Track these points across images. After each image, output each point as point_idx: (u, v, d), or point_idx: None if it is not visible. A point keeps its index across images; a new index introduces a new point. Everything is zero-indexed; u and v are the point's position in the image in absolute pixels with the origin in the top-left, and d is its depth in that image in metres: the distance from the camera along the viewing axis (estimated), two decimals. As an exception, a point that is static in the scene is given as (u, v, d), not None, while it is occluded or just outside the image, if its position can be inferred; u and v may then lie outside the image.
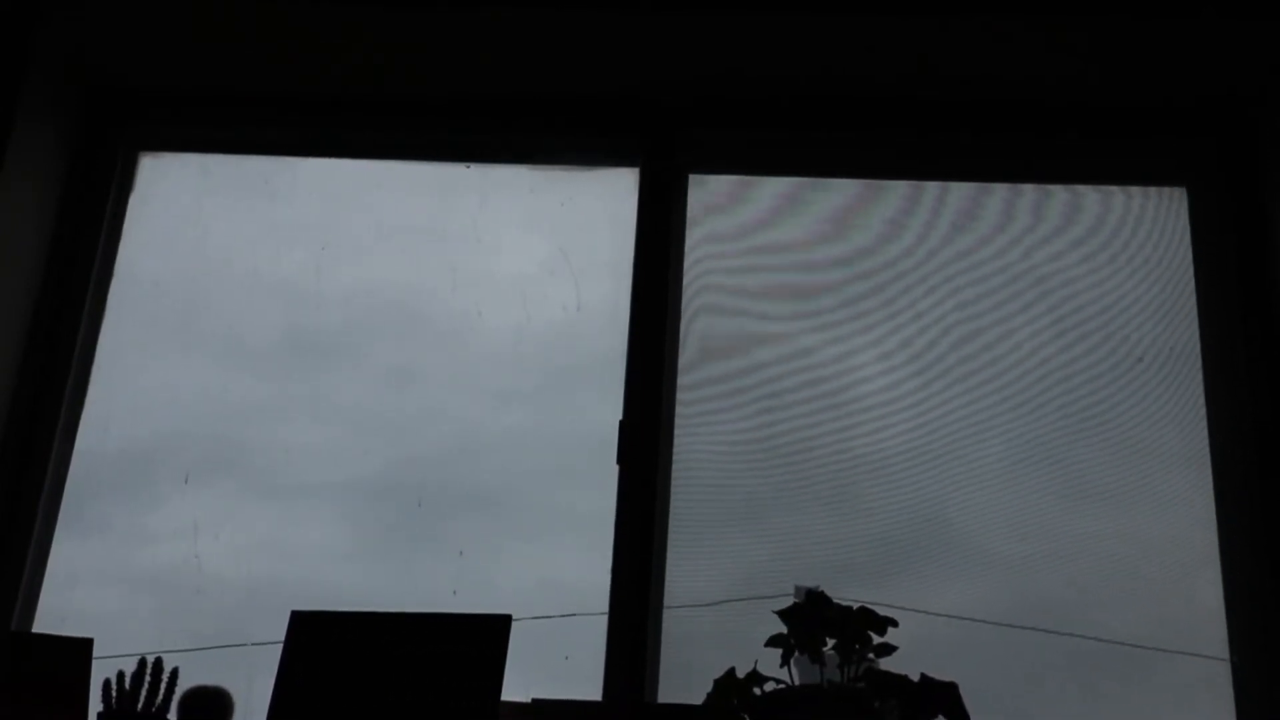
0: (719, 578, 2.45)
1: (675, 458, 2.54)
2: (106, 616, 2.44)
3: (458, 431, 2.61)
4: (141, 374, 2.69)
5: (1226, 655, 2.36)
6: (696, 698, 2.05)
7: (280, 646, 2.10)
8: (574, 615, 2.42)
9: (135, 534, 2.57)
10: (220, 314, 2.73)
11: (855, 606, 2.02)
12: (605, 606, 2.42)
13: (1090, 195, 2.70)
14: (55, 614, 2.48)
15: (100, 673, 2.14)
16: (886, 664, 1.99)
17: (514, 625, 2.06)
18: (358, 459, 2.59)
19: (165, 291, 2.75)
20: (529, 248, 2.75)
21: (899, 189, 2.73)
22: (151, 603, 2.50)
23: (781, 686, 1.97)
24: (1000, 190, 2.72)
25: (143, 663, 2.15)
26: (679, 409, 2.58)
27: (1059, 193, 2.71)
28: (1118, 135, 2.72)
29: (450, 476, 2.57)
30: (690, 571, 2.46)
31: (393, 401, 2.64)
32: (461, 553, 2.49)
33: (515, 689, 2.05)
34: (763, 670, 1.99)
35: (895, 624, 2.01)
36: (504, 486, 2.56)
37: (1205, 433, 2.51)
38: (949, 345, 2.60)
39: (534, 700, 2.11)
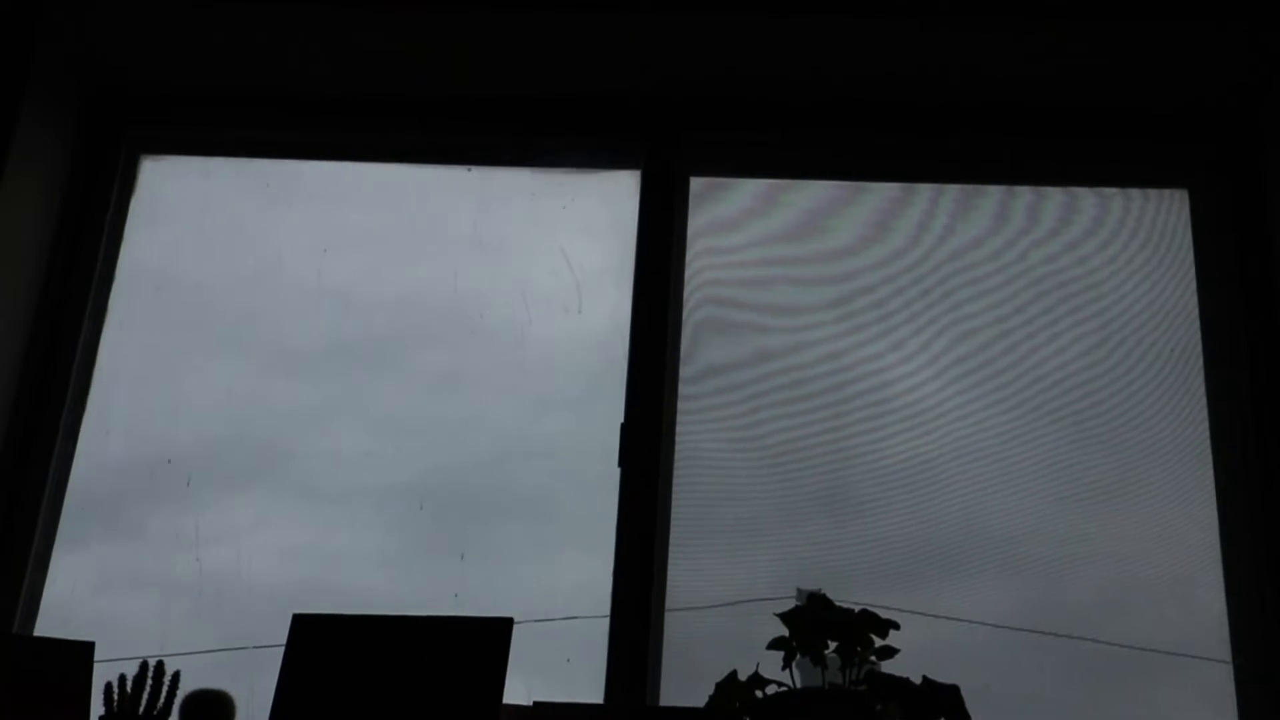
0: (720, 580, 2.45)
1: (677, 459, 2.54)
2: (111, 620, 2.44)
3: (460, 435, 2.61)
4: (145, 376, 2.69)
5: (1229, 658, 2.36)
6: (698, 701, 2.05)
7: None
8: (575, 618, 2.42)
9: (140, 538, 2.57)
10: (224, 316, 2.74)
11: (857, 609, 2.02)
12: (607, 609, 2.41)
13: (1091, 197, 2.70)
14: (58, 617, 2.48)
15: (103, 676, 2.14)
16: (889, 667, 1.99)
17: (515, 628, 2.06)
18: (361, 461, 2.59)
19: (169, 294, 2.75)
20: (531, 250, 2.75)
21: (898, 190, 2.73)
22: (157, 607, 2.50)
23: (783, 689, 1.97)
24: (997, 193, 2.72)
25: (144, 666, 2.15)
26: (681, 410, 2.57)
27: (1059, 195, 2.71)
28: (1118, 137, 2.72)
29: (454, 480, 2.57)
30: (692, 574, 2.46)
31: (397, 405, 2.64)
32: (463, 556, 2.49)
33: (517, 692, 2.04)
34: (764, 673, 1.99)
35: (897, 626, 2.00)
36: (508, 489, 2.56)
37: (1207, 433, 2.51)
38: (949, 347, 2.59)
39: (535, 703, 2.11)
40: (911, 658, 1.99)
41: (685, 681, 2.35)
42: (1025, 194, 2.71)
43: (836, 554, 2.45)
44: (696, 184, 2.74)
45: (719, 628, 2.41)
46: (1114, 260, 2.65)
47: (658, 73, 2.69)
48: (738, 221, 2.74)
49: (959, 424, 2.53)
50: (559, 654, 2.38)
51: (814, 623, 2.00)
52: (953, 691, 1.96)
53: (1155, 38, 2.52)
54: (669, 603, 2.44)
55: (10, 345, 2.57)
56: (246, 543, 2.53)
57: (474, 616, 2.09)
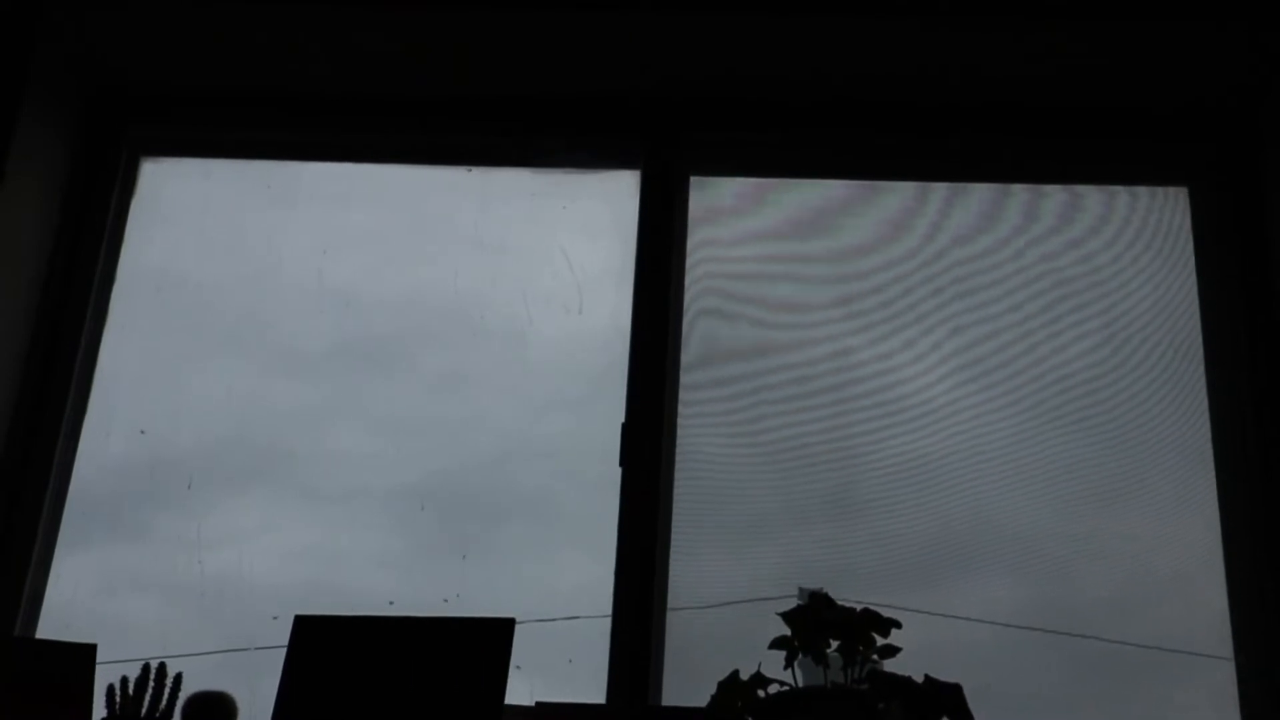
0: (722, 580, 2.45)
1: (678, 459, 2.54)
2: (113, 622, 2.44)
3: (461, 435, 2.61)
4: (146, 377, 2.69)
5: (1231, 655, 2.36)
6: (700, 700, 2.05)
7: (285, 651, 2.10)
8: (577, 618, 2.42)
9: (142, 540, 2.57)
10: (225, 317, 2.73)
11: (859, 608, 2.02)
12: (608, 609, 2.42)
13: (1092, 196, 2.70)
14: (60, 619, 2.48)
15: (105, 678, 2.14)
16: (892, 666, 1.99)
17: (517, 628, 2.06)
18: (362, 462, 2.59)
19: (170, 295, 2.75)
20: (531, 250, 2.75)
21: (900, 190, 2.74)
22: (159, 608, 2.50)
23: (785, 688, 1.97)
24: (998, 192, 2.72)
25: (146, 668, 2.14)
26: (681, 410, 2.57)
27: (1060, 194, 2.71)
28: (1118, 137, 2.72)
29: (455, 480, 2.57)
30: (693, 573, 2.46)
31: (398, 406, 2.64)
32: (465, 556, 2.50)
33: (519, 692, 2.05)
34: (766, 672, 1.99)
35: (899, 625, 2.00)
36: (509, 489, 2.56)
37: (1208, 432, 2.51)
38: (951, 347, 2.60)
39: (537, 704, 2.11)
40: (914, 657, 1.99)
41: (687, 681, 2.35)
42: (1025, 193, 2.71)
43: (839, 553, 2.45)
44: (696, 183, 2.74)
45: (721, 627, 2.41)
46: (1117, 260, 2.65)
47: (658, 73, 2.69)
48: (738, 220, 2.74)
49: (962, 423, 2.53)
50: (561, 654, 2.38)
51: (816, 622, 2.00)
52: (955, 690, 1.96)
53: (1155, 38, 2.52)
54: (670, 602, 2.44)
55: (11, 346, 2.57)
56: (248, 544, 2.53)
57: (476, 617, 2.09)
